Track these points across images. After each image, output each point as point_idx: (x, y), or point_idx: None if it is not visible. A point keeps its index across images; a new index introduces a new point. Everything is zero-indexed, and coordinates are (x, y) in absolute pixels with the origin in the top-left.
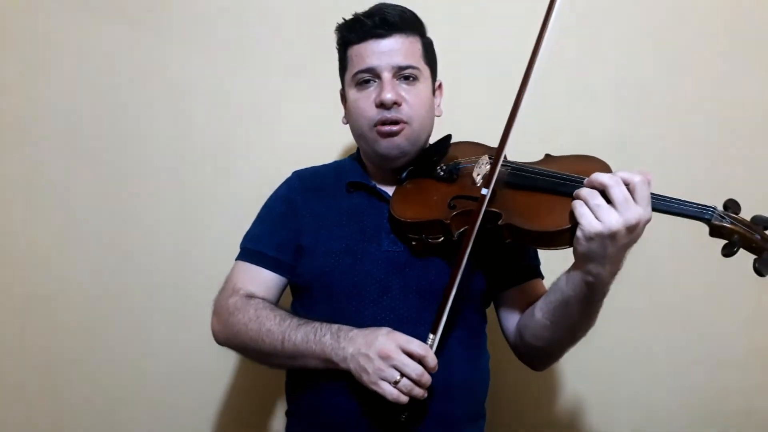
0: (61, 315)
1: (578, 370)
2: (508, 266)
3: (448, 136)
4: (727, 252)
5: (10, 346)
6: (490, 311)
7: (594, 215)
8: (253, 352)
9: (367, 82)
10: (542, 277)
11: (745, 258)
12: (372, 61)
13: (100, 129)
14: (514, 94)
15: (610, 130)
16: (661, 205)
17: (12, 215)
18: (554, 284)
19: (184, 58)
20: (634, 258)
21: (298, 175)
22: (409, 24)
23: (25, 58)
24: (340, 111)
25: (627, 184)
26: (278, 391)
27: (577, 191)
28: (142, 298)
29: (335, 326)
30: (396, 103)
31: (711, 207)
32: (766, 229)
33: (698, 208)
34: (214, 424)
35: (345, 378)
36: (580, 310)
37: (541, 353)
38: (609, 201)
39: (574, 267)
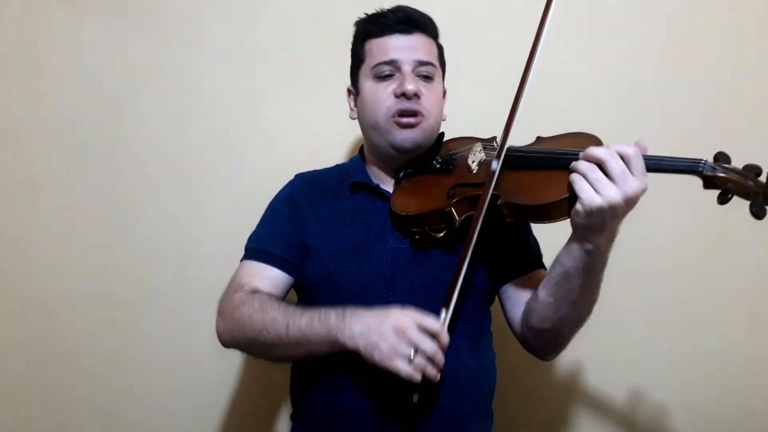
0: (61, 316)
1: (580, 371)
2: (511, 257)
3: (441, 134)
4: (722, 199)
5: (11, 347)
6: (495, 310)
7: (594, 189)
8: (257, 345)
9: (388, 75)
10: (545, 268)
11: (745, 258)
12: (395, 54)
13: (100, 129)
14: (509, 94)
15: (610, 129)
16: (653, 164)
17: (12, 215)
18: (555, 260)
19: (183, 58)
20: (635, 258)
21: (300, 177)
22: (429, 26)
23: (25, 58)
24: (342, 111)
25: (622, 157)
26: (283, 394)
27: (574, 164)
28: (144, 300)
29: (340, 308)
30: (416, 95)
31: (702, 159)
32: (758, 175)
33: (689, 162)
34: (217, 427)
35: (351, 378)
36: (582, 282)
37: (547, 337)
38: (606, 174)
39: (572, 239)
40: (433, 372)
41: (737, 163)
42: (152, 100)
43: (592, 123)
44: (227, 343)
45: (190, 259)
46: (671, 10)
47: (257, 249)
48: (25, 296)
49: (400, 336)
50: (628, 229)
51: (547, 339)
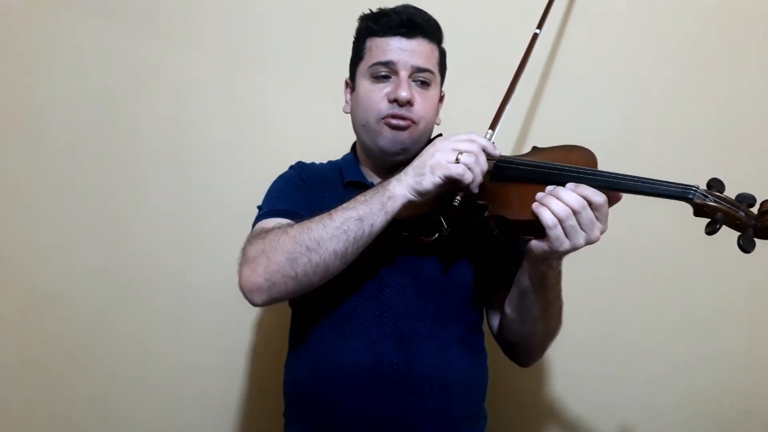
0: (61, 315)
1: (579, 370)
2: (499, 267)
3: (439, 136)
4: (710, 230)
5: (11, 346)
6: None
7: (565, 234)
8: (299, 255)
9: (383, 76)
10: None
11: (745, 258)
12: (393, 56)
13: (100, 128)
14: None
15: (610, 130)
16: (644, 187)
17: (12, 215)
18: (515, 279)
19: (183, 57)
20: (634, 260)
21: (301, 164)
22: (433, 30)
23: (25, 58)
24: (339, 111)
25: (591, 204)
26: (278, 392)
27: (551, 208)
28: (144, 298)
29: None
30: (409, 103)
31: (693, 186)
32: (751, 206)
33: (680, 188)
34: (215, 423)
35: (343, 374)
36: (540, 296)
37: (521, 348)
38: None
39: (527, 260)
40: (478, 171)
41: (737, 184)
42: (152, 100)
43: (592, 129)
44: (260, 282)
45: (190, 257)
46: (675, 12)
47: (281, 209)
48: (25, 295)
49: (442, 151)
50: (628, 230)
51: (520, 349)
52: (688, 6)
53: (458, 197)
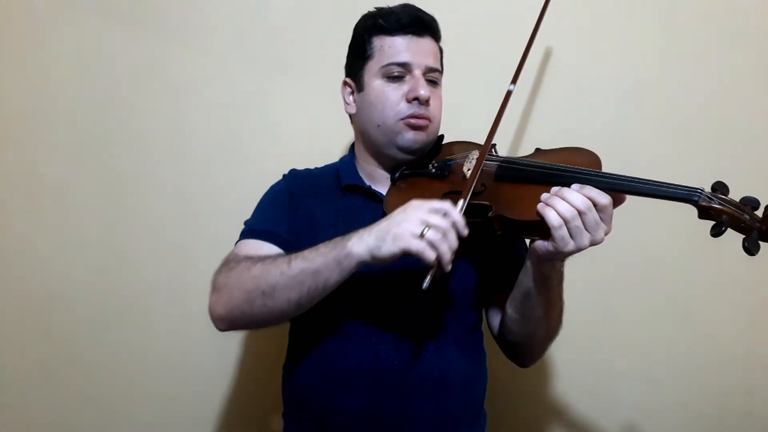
0: (61, 315)
1: (579, 370)
2: (500, 270)
3: (441, 137)
4: (716, 232)
5: (10, 346)
6: None
7: (570, 235)
8: (257, 296)
9: (398, 76)
10: None
11: (745, 258)
12: (408, 57)
13: (99, 129)
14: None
15: (609, 130)
16: (649, 189)
17: (12, 215)
18: (517, 280)
19: (184, 58)
20: (634, 259)
21: (294, 173)
22: (437, 29)
23: (25, 58)
24: (340, 111)
25: (596, 206)
26: (278, 393)
27: (557, 209)
28: (142, 298)
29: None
30: (427, 102)
31: (699, 189)
32: (755, 209)
33: (686, 191)
34: (213, 423)
35: (343, 374)
36: (542, 298)
37: (521, 348)
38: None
39: (530, 260)
40: (445, 249)
41: (743, 170)
42: (152, 100)
43: (592, 129)
44: (222, 314)
45: (190, 258)
46: (675, 12)
47: (259, 229)
48: (25, 297)
49: (409, 220)
50: (627, 229)
51: (520, 350)
52: (689, 6)
53: (428, 277)
